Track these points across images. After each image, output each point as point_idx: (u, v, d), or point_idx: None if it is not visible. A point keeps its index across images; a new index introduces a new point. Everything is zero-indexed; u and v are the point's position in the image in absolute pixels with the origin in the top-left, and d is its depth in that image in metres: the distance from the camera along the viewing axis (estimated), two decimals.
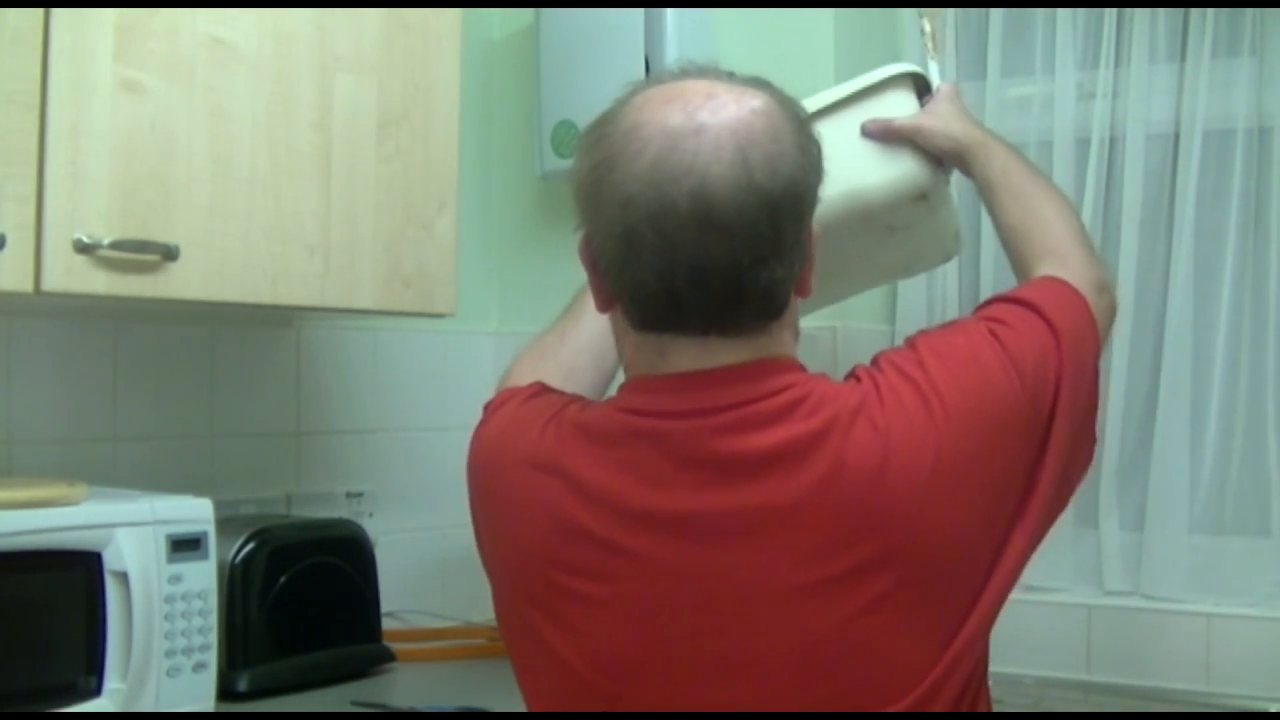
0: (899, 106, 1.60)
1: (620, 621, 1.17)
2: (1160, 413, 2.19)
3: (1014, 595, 2.44)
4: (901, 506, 1.13)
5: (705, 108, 1.14)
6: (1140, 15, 2.20)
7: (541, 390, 1.32)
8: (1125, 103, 2.22)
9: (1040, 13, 2.29)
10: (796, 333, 1.25)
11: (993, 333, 1.23)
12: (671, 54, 2.20)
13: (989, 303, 1.33)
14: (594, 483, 1.18)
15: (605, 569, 1.17)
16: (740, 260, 1.13)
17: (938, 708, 1.15)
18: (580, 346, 1.41)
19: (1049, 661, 2.20)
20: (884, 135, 1.59)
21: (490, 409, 1.32)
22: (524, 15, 2.44)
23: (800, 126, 1.18)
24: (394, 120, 1.87)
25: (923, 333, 1.26)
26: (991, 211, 1.55)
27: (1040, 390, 1.21)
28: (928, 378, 1.17)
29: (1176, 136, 2.20)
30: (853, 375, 1.21)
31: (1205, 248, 2.18)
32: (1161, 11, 2.19)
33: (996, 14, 2.32)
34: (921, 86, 1.64)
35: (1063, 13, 2.26)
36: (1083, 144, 2.25)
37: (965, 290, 2.36)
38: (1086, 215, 2.24)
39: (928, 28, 1.71)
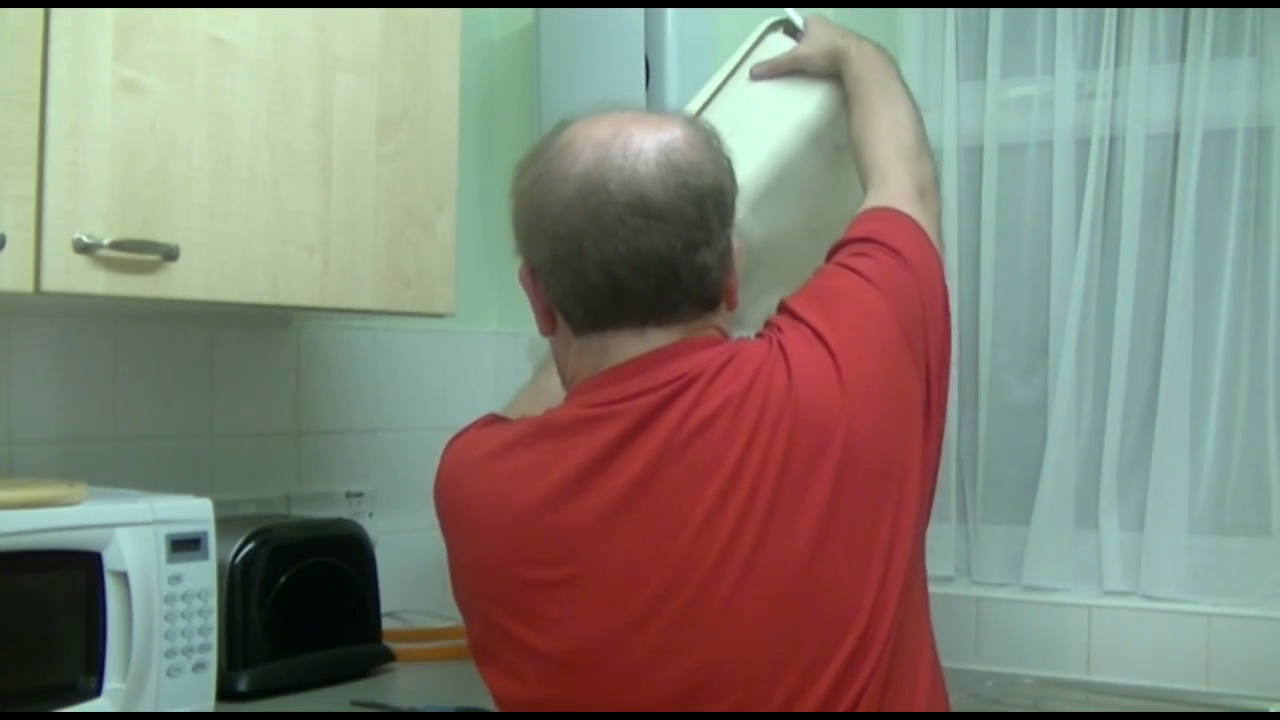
0: (779, 50, 1.71)
1: (587, 599, 1.22)
2: (1160, 413, 2.19)
3: (1014, 595, 2.43)
4: (821, 415, 1.23)
5: (631, 124, 1.28)
6: (1140, 15, 2.20)
7: (497, 418, 1.39)
8: (1125, 103, 2.22)
9: (1040, 13, 2.29)
10: (729, 333, 1.34)
11: (848, 267, 1.36)
12: (671, 54, 2.20)
13: (832, 253, 1.42)
14: (550, 468, 1.24)
15: (566, 551, 1.23)
16: (674, 245, 1.25)
17: (880, 636, 1.22)
18: (556, 394, 1.45)
19: (1049, 661, 2.20)
20: (771, 74, 1.69)
21: (449, 441, 1.38)
22: (524, 15, 2.44)
23: (716, 145, 1.31)
24: (394, 120, 1.87)
25: (788, 298, 1.36)
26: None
27: (904, 301, 1.34)
28: (808, 324, 1.30)
29: (1176, 136, 2.20)
30: (762, 336, 1.32)
31: (1205, 248, 2.18)
32: (1161, 11, 2.19)
33: (996, 14, 2.32)
34: (792, 30, 1.73)
35: (1063, 13, 2.26)
36: (1083, 144, 2.25)
37: (965, 292, 2.36)
38: (1086, 215, 2.24)
39: None
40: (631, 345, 1.27)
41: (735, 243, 1.32)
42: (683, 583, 1.20)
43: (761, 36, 1.73)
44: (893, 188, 1.47)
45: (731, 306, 1.34)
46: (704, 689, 1.20)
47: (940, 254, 1.44)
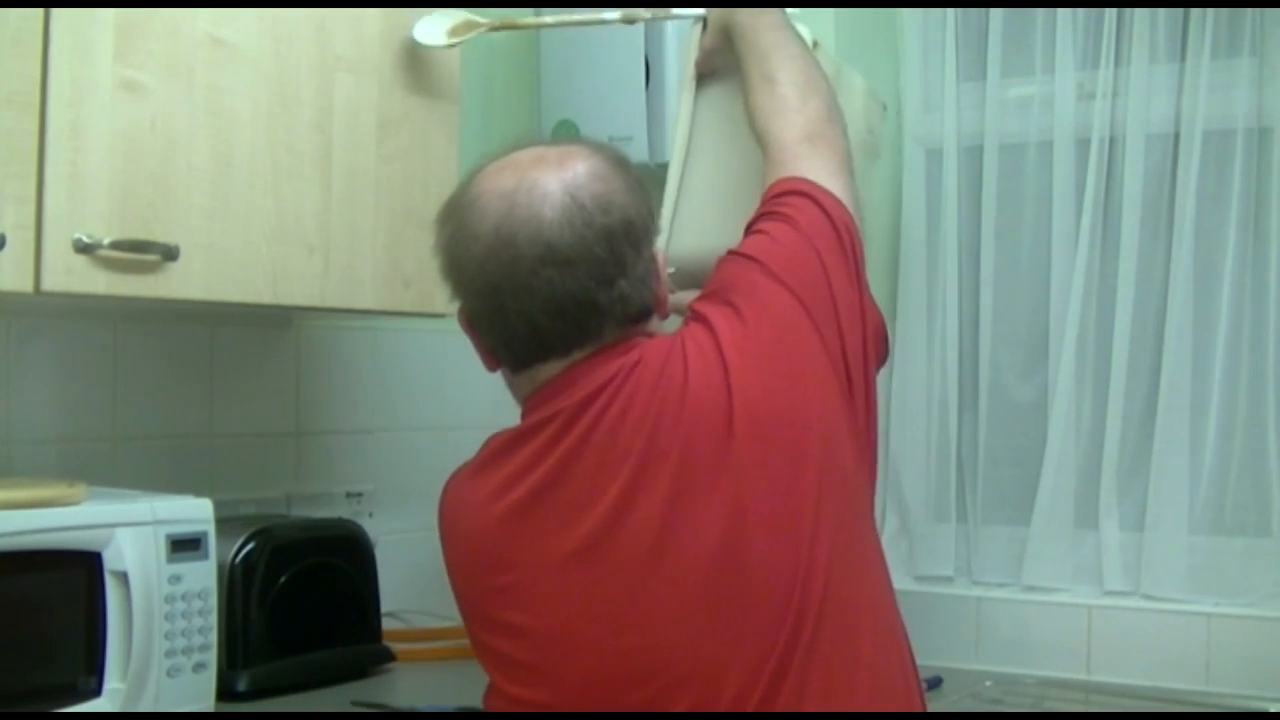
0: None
1: (530, 597, 1.28)
2: (1160, 413, 2.19)
3: (1014, 595, 2.43)
4: (714, 403, 1.26)
5: (534, 168, 1.30)
6: (1140, 15, 2.20)
7: (491, 439, 1.42)
8: (1125, 103, 2.22)
9: (1040, 13, 2.29)
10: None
11: (737, 253, 1.38)
12: (671, 54, 2.20)
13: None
14: (490, 483, 1.31)
15: (505, 558, 1.29)
16: (588, 286, 1.28)
17: (813, 600, 1.24)
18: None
19: (1049, 661, 2.20)
20: (698, 72, 1.68)
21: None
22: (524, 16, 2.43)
23: (624, 169, 1.34)
24: (394, 120, 1.87)
25: (693, 301, 1.39)
26: None
27: (794, 265, 1.35)
28: (702, 318, 1.34)
29: (1176, 136, 2.20)
30: (674, 334, 1.36)
31: (1205, 248, 2.18)
32: (1161, 11, 2.20)
33: (996, 14, 2.32)
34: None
35: (1063, 13, 2.26)
36: (1083, 144, 2.25)
37: (966, 292, 2.36)
38: (1086, 215, 2.24)
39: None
40: (559, 368, 1.32)
41: (659, 256, 1.36)
42: (609, 575, 1.25)
43: (689, 47, 1.71)
44: (776, 153, 1.47)
45: (664, 315, 1.38)
46: (656, 677, 1.23)
47: (844, 185, 1.43)
